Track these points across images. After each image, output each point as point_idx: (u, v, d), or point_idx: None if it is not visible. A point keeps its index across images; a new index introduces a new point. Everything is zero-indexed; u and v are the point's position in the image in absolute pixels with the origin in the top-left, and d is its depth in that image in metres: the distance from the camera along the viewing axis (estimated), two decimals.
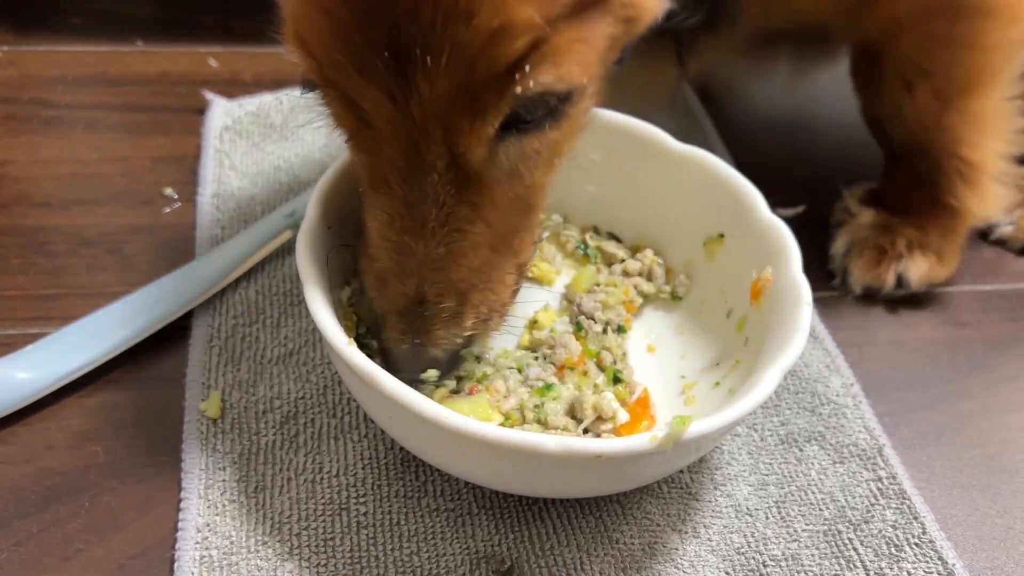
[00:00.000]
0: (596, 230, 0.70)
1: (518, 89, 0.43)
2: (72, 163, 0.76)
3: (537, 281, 0.67)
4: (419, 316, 0.50)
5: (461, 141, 0.45)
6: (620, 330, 0.63)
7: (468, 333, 0.51)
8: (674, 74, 0.71)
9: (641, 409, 0.58)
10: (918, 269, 0.72)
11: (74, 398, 0.59)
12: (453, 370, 0.55)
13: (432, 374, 0.53)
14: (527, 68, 0.42)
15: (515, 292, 0.55)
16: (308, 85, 0.49)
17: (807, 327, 0.54)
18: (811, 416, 0.63)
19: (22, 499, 0.53)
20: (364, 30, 0.42)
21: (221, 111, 0.80)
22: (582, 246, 0.68)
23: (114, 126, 0.80)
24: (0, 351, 0.59)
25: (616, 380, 0.59)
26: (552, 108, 0.46)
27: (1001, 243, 0.81)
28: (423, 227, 0.48)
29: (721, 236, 0.64)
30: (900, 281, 0.72)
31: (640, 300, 0.65)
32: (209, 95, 0.82)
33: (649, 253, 0.67)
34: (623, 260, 0.67)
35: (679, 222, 0.66)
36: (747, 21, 0.65)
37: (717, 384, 0.59)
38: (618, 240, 0.69)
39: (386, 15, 0.41)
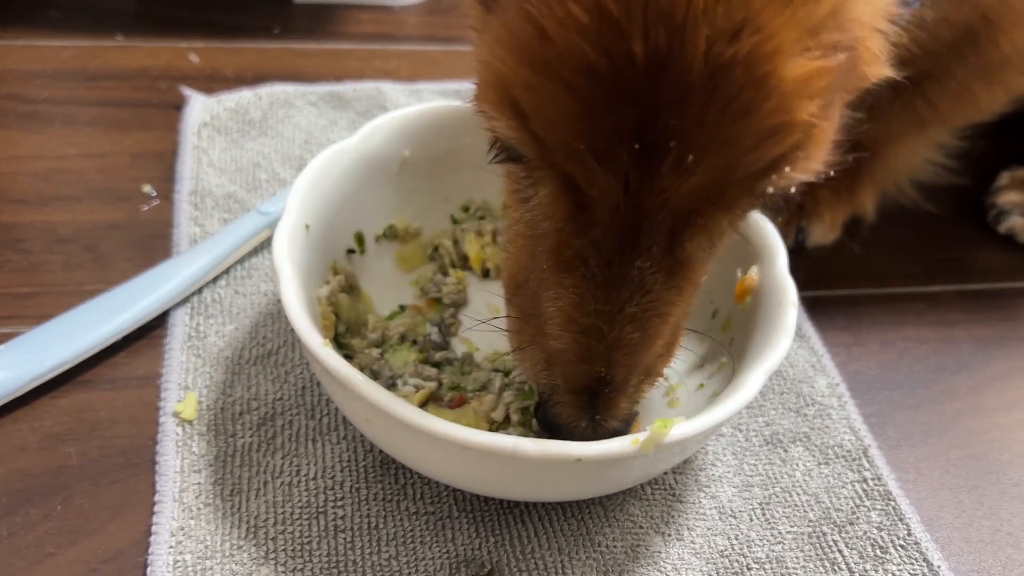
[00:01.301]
0: None
1: (770, 189, 0.40)
2: (49, 159, 0.75)
3: None
4: (600, 395, 0.47)
5: (691, 234, 0.42)
6: None
7: (637, 404, 0.50)
8: None
9: None
10: (819, 229, 0.77)
11: (47, 398, 0.58)
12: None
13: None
14: (788, 166, 0.39)
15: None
16: (510, 155, 0.44)
17: (793, 327, 0.53)
18: (796, 417, 0.62)
19: None
20: (615, 116, 0.38)
21: (200, 107, 0.79)
22: None
23: (92, 122, 0.79)
24: None
25: None
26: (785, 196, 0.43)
27: (1009, 237, 0.81)
28: (620, 312, 0.45)
29: None
30: (799, 237, 0.77)
31: None
32: (188, 91, 0.81)
33: None
34: None
35: None
36: None
37: (701, 386, 0.59)
38: None
39: (646, 102, 0.37)
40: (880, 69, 0.45)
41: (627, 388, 0.48)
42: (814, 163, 0.41)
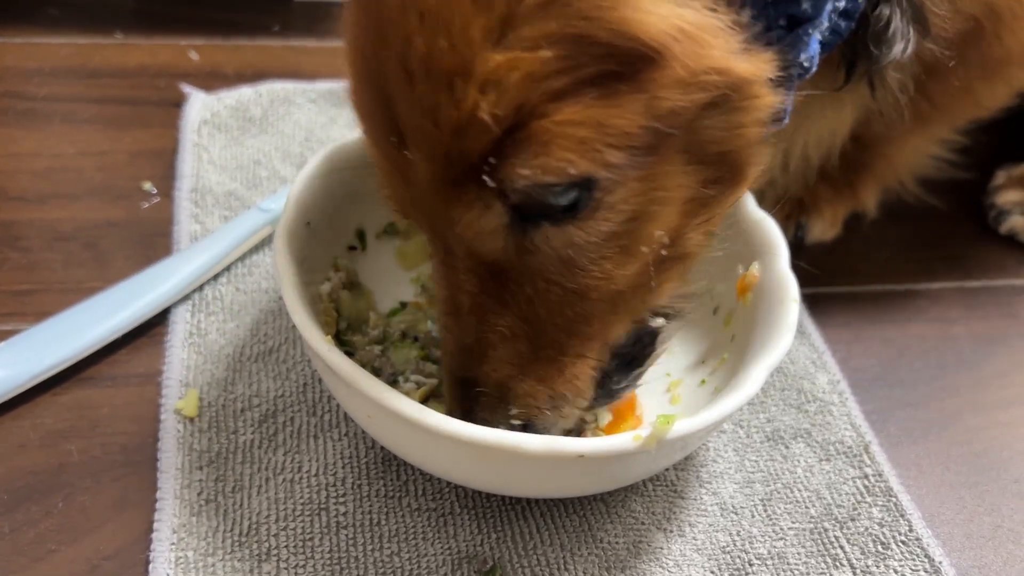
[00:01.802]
0: None
1: (491, 182, 0.40)
2: (48, 157, 0.75)
3: None
4: (467, 393, 0.48)
5: (465, 232, 0.43)
6: None
7: (517, 421, 0.48)
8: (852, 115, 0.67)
9: (626, 409, 0.57)
10: (819, 225, 0.77)
11: (48, 396, 0.58)
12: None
13: None
14: (497, 160, 0.39)
15: (603, 382, 0.50)
16: None
17: (794, 323, 0.53)
18: (797, 413, 0.62)
19: None
20: (376, 110, 0.43)
21: (200, 104, 0.79)
22: None
23: (92, 119, 0.79)
24: None
25: None
26: (570, 200, 0.41)
27: (1010, 237, 0.81)
28: (458, 313, 0.47)
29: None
30: (798, 233, 0.76)
31: None
32: (187, 88, 0.81)
33: None
34: None
35: None
36: None
37: (703, 382, 0.59)
38: None
39: (383, 98, 0.41)
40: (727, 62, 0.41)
41: (483, 395, 0.48)
42: (550, 160, 0.39)
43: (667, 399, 0.59)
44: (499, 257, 0.44)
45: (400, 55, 0.39)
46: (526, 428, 0.48)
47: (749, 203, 0.60)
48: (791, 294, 0.55)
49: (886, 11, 0.50)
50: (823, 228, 0.77)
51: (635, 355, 0.51)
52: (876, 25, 0.50)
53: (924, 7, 0.51)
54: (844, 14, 0.49)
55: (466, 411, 0.48)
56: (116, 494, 0.53)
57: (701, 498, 0.57)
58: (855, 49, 0.52)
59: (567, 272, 0.44)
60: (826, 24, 0.47)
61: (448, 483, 0.55)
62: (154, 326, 0.62)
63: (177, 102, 0.80)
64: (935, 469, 0.62)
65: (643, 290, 0.47)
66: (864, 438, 0.61)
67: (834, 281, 0.74)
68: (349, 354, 0.57)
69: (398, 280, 0.65)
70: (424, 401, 0.56)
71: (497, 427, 0.47)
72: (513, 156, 0.39)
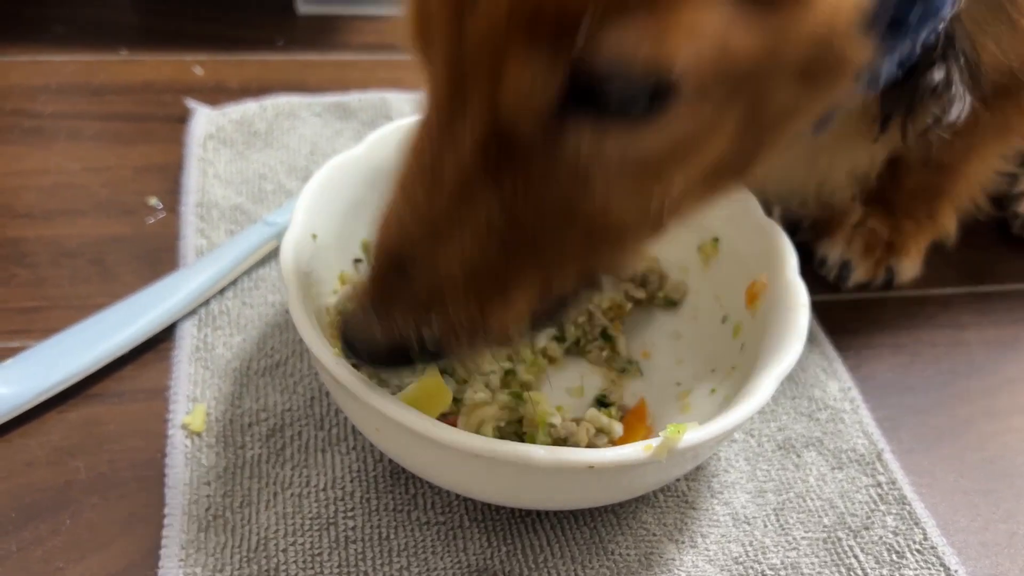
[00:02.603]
0: None
1: (583, 36, 0.33)
2: (54, 173, 0.75)
3: None
4: (387, 284, 0.42)
5: (509, 86, 0.36)
6: (606, 337, 0.62)
7: (428, 335, 0.42)
8: (885, 151, 0.63)
9: (636, 419, 0.57)
10: (907, 266, 0.74)
11: (55, 412, 0.58)
12: (393, 368, 0.46)
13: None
14: (604, 13, 0.33)
15: (527, 325, 0.44)
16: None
17: (804, 331, 0.52)
18: (809, 421, 0.62)
19: (0, 517, 0.52)
20: None
21: (204, 119, 0.79)
22: None
23: (97, 136, 0.79)
24: None
25: (602, 404, 0.58)
26: (639, 96, 0.35)
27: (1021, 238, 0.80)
28: (436, 183, 0.39)
29: (715, 240, 0.63)
30: (887, 278, 0.74)
31: (630, 305, 0.64)
32: (192, 103, 0.81)
33: (643, 257, 0.66)
34: None
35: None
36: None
37: (713, 391, 0.58)
38: None
39: None
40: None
41: (409, 292, 0.41)
42: (664, 46, 0.33)
43: (678, 408, 0.59)
44: (523, 129, 0.37)
45: None
46: (434, 354, 0.42)
47: (756, 211, 0.60)
48: (801, 300, 0.54)
49: (940, 74, 0.48)
50: (911, 267, 0.74)
51: (551, 312, 0.45)
52: (930, 84, 0.48)
53: (981, 69, 0.49)
54: (898, 63, 0.45)
55: (380, 304, 0.42)
56: (124, 511, 0.53)
57: (713, 508, 0.56)
58: (895, 102, 0.49)
59: (573, 180, 0.39)
60: (907, 47, 0.44)
61: (457, 496, 0.55)
62: (161, 341, 0.62)
63: (182, 117, 0.80)
64: (949, 476, 0.61)
65: (621, 240, 0.43)
66: (876, 446, 0.61)
67: (843, 288, 0.73)
68: (356, 366, 0.57)
69: None
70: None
71: (406, 333, 0.41)
72: (623, 20, 0.33)
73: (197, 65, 0.88)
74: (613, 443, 0.54)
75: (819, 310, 0.70)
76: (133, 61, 0.88)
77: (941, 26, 0.46)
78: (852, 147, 0.63)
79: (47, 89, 0.83)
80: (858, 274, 0.73)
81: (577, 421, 0.55)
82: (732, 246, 0.62)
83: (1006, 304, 0.74)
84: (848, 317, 0.71)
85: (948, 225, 0.75)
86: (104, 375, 0.60)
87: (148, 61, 0.88)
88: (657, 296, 0.65)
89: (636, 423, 0.57)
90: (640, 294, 0.65)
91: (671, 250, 0.66)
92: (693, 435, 0.46)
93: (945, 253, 0.78)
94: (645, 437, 0.55)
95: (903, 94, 0.49)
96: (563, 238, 0.41)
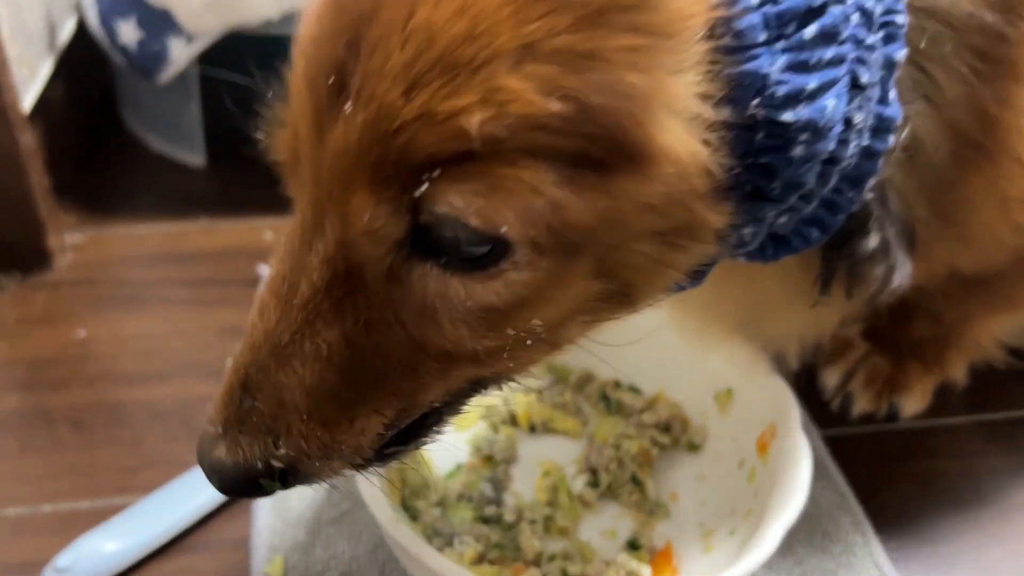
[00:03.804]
0: (617, 383, 0.76)
1: (421, 190, 0.36)
2: (146, 338, 0.85)
3: (565, 433, 0.74)
4: (237, 403, 0.43)
5: (354, 223, 0.38)
6: (636, 482, 0.69)
7: (277, 463, 0.42)
8: (839, 314, 0.63)
9: (664, 561, 0.63)
10: (911, 402, 0.79)
11: (153, 564, 0.66)
12: (245, 496, 0.46)
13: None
14: (437, 174, 0.36)
15: (377, 445, 0.45)
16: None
17: (806, 485, 0.59)
18: (823, 555, 0.68)
19: None
20: (324, 44, 0.38)
21: None
22: (604, 399, 0.75)
23: (182, 301, 0.90)
24: (91, 521, 0.67)
25: (633, 547, 0.64)
26: (474, 253, 0.38)
27: None
28: (287, 300, 0.41)
29: (730, 391, 0.70)
30: (890, 410, 0.79)
31: (656, 450, 0.71)
32: (263, 268, 0.92)
33: (666, 404, 0.73)
34: (641, 411, 0.73)
35: (692, 376, 0.72)
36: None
37: (733, 532, 0.64)
38: (638, 392, 0.75)
39: (348, 35, 0.37)
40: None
41: (254, 413, 0.42)
42: (486, 205, 0.36)
43: (702, 548, 0.65)
44: (368, 267, 0.40)
45: (408, 6, 0.36)
46: (284, 473, 0.43)
47: (762, 364, 0.67)
48: (804, 453, 0.61)
49: (875, 241, 0.49)
50: (914, 404, 0.79)
51: (421, 426, 0.47)
52: (865, 251, 0.49)
53: (915, 232, 0.51)
54: (815, 223, 0.47)
55: (229, 423, 0.42)
56: None
57: None
58: (833, 266, 0.51)
59: (420, 319, 0.41)
60: (784, 220, 0.45)
61: None
62: None
63: (255, 281, 0.91)
64: None
65: (485, 364, 0.43)
66: None
67: (854, 421, 0.79)
68: (412, 518, 0.65)
69: (454, 441, 0.73)
70: (476, 562, 0.63)
71: (251, 460, 0.42)
72: (459, 180, 0.36)
73: (267, 229, 0.99)
74: None
75: (832, 444, 0.76)
76: (212, 229, 0.99)
77: (870, 196, 0.47)
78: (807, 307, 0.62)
79: (139, 259, 0.95)
80: (860, 405, 0.79)
81: (608, 563, 0.62)
82: (744, 396, 0.69)
83: (1011, 431, 0.79)
84: (859, 449, 0.77)
85: (956, 373, 0.80)
86: (195, 528, 0.68)
87: (224, 228, 0.99)
88: (681, 440, 0.72)
89: (663, 565, 0.63)
90: (665, 439, 0.72)
91: (691, 397, 0.73)
92: None
93: (951, 383, 0.83)
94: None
95: (840, 259, 0.50)
96: (416, 366, 0.42)
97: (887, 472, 0.75)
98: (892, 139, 0.45)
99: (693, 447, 0.72)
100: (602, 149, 0.37)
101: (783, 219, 0.46)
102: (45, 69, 0.98)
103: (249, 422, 0.42)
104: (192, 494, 0.69)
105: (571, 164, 0.37)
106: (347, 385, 0.42)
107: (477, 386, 0.47)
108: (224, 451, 0.43)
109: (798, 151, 0.41)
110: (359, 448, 0.44)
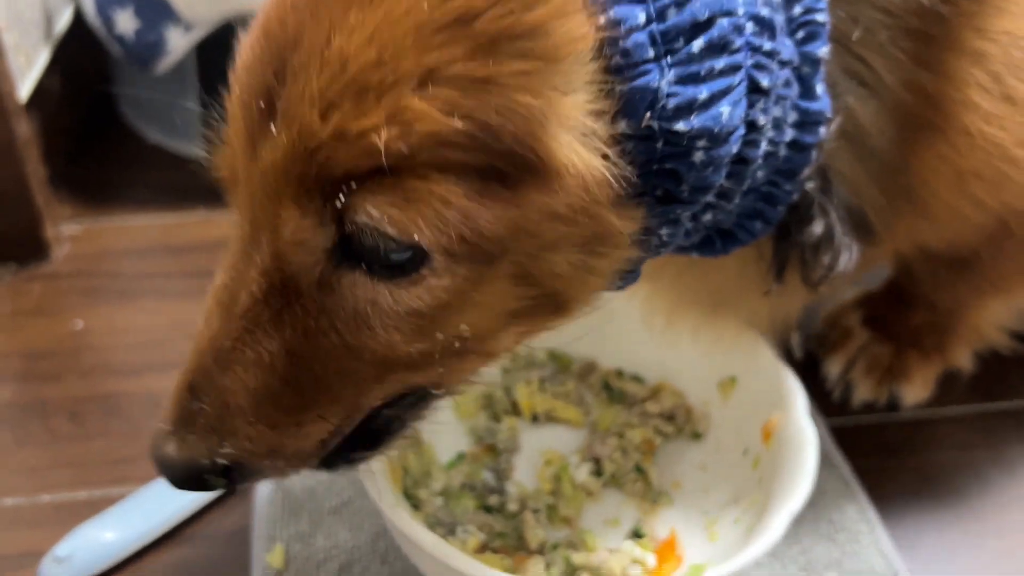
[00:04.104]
0: (620, 372, 0.76)
1: (339, 202, 0.40)
2: (142, 330, 0.84)
3: (567, 423, 0.73)
4: (185, 405, 0.46)
5: (284, 234, 0.41)
6: (639, 470, 0.68)
7: (221, 460, 0.45)
8: (801, 299, 0.64)
9: (668, 550, 0.63)
10: (911, 391, 0.78)
11: (153, 554, 0.66)
12: (194, 489, 0.48)
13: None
14: (355, 187, 0.39)
15: (334, 448, 0.48)
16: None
17: (812, 472, 0.58)
18: (828, 544, 0.67)
19: None
20: (256, 70, 0.42)
21: None
22: (607, 388, 0.74)
23: (179, 292, 0.89)
24: (88, 512, 0.66)
25: (637, 535, 0.64)
26: (396, 260, 0.41)
27: None
28: (229, 309, 0.44)
29: (733, 379, 0.70)
30: (891, 399, 0.79)
31: (659, 440, 0.71)
32: None
33: (669, 394, 0.73)
34: (644, 400, 0.73)
35: (695, 365, 0.72)
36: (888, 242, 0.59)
37: (737, 520, 0.64)
38: (641, 381, 0.75)
39: (279, 61, 0.41)
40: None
41: (202, 414, 0.45)
42: (402, 216, 0.39)
43: (706, 537, 0.65)
44: (301, 277, 0.43)
45: (325, 36, 0.39)
46: (228, 470, 0.46)
47: (766, 352, 0.67)
48: (810, 440, 0.60)
49: (819, 227, 0.51)
50: (915, 393, 0.79)
51: (377, 430, 0.49)
52: (811, 238, 0.51)
53: (866, 215, 0.53)
54: (757, 216, 0.50)
55: (177, 423, 0.45)
56: None
57: None
58: (784, 254, 0.53)
59: (353, 325, 0.43)
60: (708, 217, 0.48)
61: None
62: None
63: None
64: None
65: (420, 369, 0.46)
66: (893, 565, 0.66)
67: (859, 411, 0.79)
68: (415, 506, 0.64)
69: (456, 430, 0.73)
70: (479, 551, 0.62)
71: (196, 458, 0.45)
72: (374, 192, 0.39)
73: None
74: (647, 573, 0.60)
75: (837, 433, 0.75)
76: (209, 220, 0.98)
77: (810, 185, 0.50)
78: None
79: (135, 250, 0.94)
80: (860, 393, 0.79)
81: (612, 552, 0.61)
82: (748, 384, 0.69)
83: (1016, 421, 0.79)
84: (864, 439, 0.76)
85: (959, 359, 0.79)
86: (194, 518, 0.68)
87: (221, 219, 0.98)
88: (684, 429, 0.72)
89: (668, 553, 0.63)
90: (669, 429, 0.71)
91: (695, 386, 0.72)
92: (711, 574, 0.52)
93: (954, 373, 0.83)
94: (676, 567, 0.62)
95: (791, 247, 0.52)
96: (353, 372, 0.45)
97: (892, 462, 0.75)
98: (823, 131, 0.48)
99: (696, 436, 0.71)
100: (506, 164, 0.40)
101: (707, 216, 0.49)
102: (41, 59, 0.97)
103: (196, 423, 0.45)
104: None
105: (479, 178, 0.40)
106: (289, 391, 0.45)
107: (419, 397, 0.49)
108: (173, 448, 0.45)
109: (698, 156, 0.43)
110: (302, 451, 0.47)
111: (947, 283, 0.72)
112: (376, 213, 0.39)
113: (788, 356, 0.69)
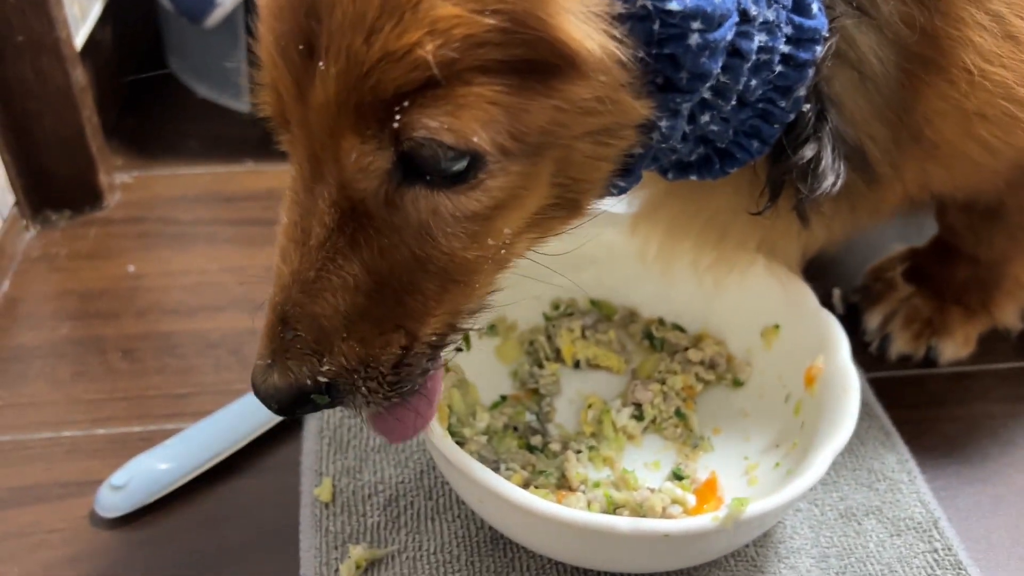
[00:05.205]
0: (662, 321, 0.76)
1: (396, 123, 0.42)
2: (195, 273, 0.87)
3: (608, 369, 0.74)
4: (279, 337, 0.48)
5: (347, 164, 0.44)
6: (680, 415, 0.69)
7: (323, 379, 0.48)
8: (801, 242, 0.65)
9: (708, 491, 0.63)
10: (950, 347, 0.78)
11: (206, 484, 0.68)
12: (301, 412, 0.52)
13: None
14: (409, 104, 0.41)
15: (404, 367, 0.50)
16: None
17: (855, 412, 0.59)
18: (868, 491, 0.68)
19: None
20: (287, 17, 0.43)
21: None
22: (648, 337, 0.75)
23: (230, 239, 0.91)
24: (142, 446, 0.69)
25: (677, 477, 0.65)
26: (455, 169, 0.44)
27: None
28: (304, 243, 0.46)
29: (777, 326, 0.70)
30: (929, 354, 0.78)
31: (700, 386, 0.71)
32: None
33: (711, 343, 0.73)
34: (686, 349, 0.73)
35: (739, 314, 0.72)
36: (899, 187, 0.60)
37: (777, 465, 0.65)
38: (682, 330, 0.76)
39: (307, 5, 0.42)
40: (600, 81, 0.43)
41: (298, 341, 0.47)
42: (457, 123, 0.41)
43: (745, 481, 0.65)
44: (368, 200, 0.45)
45: None
46: (328, 388, 0.49)
47: (812, 300, 0.67)
48: (852, 384, 0.61)
49: (811, 151, 0.52)
50: (955, 349, 0.78)
51: (421, 369, 0.52)
52: (801, 160, 0.52)
53: (865, 150, 0.54)
54: (754, 135, 0.52)
55: (276, 354, 0.48)
56: (266, 572, 0.62)
57: (780, 572, 0.62)
58: (778, 177, 0.54)
59: (419, 237, 0.46)
60: (706, 119, 0.50)
61: (550, 560, 0.62)
62: (291, 422, 0.72)
63: None
64: (1004, 543, 0.66)
65: (469, 285, 0.49)
66: (933, 514, 0.66)
67: (899, 365, 0.79)
68: (459, 444, 0.65)
69: (498, 374, 0.74)
70: (524, 487, 0.63)
71: (301, 378, 0.48)
72: (426, 106, 0.41)
73: None
74: (687, 513, 0.61)
75: (877, 385, 0.75)
76: (258, 171, 1.00)
77: (806, 107, 0.51)
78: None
79: (186, 198, 0.96)
80: (897, 345, 0.78)
81: (653, 491, 0.62)
82: (792, 331, 0.69)
83: None
84: (905, 392, 0.76)
85: (1005, 317, 0.78)
86: (245, 452, 0.70)
87: (270, 171, 1.00)
88: (725, 377, 0.72)
89: (708, 494, 0.64)
90: (710, 376, 0.72)
91: (736, 334, 0.73)
92: (755, 507, 0.53)
93: (999, 330, 0.82)
94: (715, 508, 0.62)
95: (785, 171, 0.53)
96: (422, 286, 0.48)
97: (932, 414, 0.75)
98: (819, 49, 0.49)
99: (737, 383, 0.72)
100: (537, 52, 0.41)
101: (705, 118, 0.50)
102: (95, 10, 0.99)
103: (293, 349, 0.48)
104: (242, 419, 0.70)
105: (516, 75, 0.42)
106: (373, 305, 0.48)
107: (452, 328, 0.52)
108: (277, 377, 0.49)
109: (694, 39, 0.44)
110: (384, 364, 0.50)
111: (985, 235, 0.71)
112: (434, 124, 0.41)
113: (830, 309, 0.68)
